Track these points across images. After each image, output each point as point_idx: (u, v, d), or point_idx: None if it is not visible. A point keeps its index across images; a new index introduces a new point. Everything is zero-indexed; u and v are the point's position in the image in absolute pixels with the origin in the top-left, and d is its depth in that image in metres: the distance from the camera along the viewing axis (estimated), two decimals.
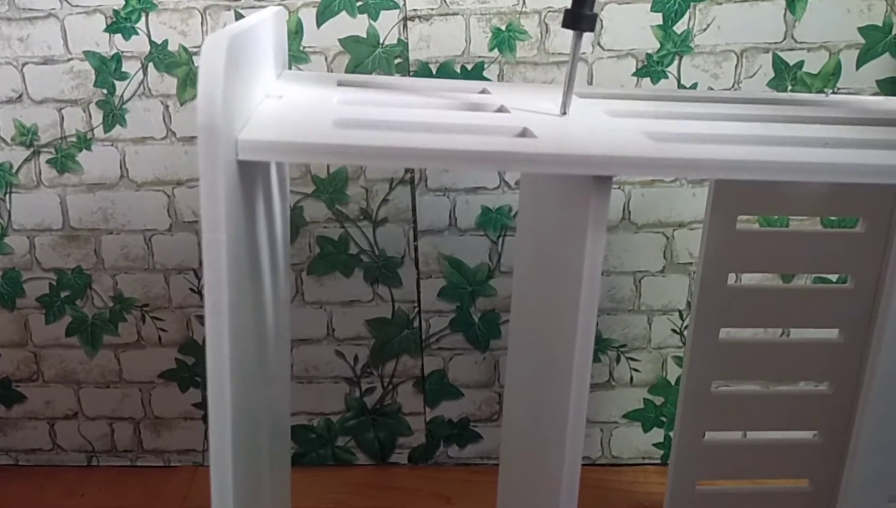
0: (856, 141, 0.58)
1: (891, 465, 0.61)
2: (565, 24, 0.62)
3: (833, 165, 0.50)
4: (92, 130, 1.06)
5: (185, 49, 1.02)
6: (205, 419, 1.17)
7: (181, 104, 1.04)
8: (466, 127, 0.56)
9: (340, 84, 0.73)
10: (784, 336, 1.05)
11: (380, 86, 0.75)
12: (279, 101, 0.60)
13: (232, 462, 0.48)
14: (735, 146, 0.53)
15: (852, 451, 0.62)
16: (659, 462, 1.21)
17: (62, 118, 1.05)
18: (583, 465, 1.20)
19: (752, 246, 0.86)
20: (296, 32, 1.01)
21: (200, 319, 1.13)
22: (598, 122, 0.60)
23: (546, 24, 1.01)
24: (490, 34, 1.01)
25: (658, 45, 1.02)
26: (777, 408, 0.93)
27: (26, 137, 1.06)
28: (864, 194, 0.85)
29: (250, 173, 0.53)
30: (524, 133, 0.54)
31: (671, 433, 1.16)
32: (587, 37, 1.01)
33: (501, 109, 0.64)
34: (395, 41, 1.02)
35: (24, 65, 1.03)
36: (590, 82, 1.03)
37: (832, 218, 1.04)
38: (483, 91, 0.72)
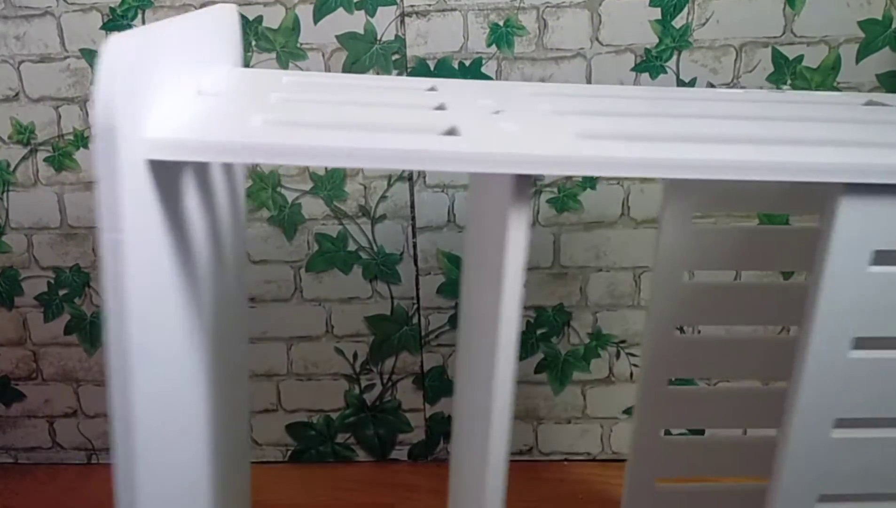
0: (794, 139, 0.58)
1: (819, 464, 0.61)
2: None
3: (747, 162, 0.50)
4: (89, 127, 1.05)
5: None
6: None
7: None
8: (395, 126, 0.56)
9: (288, 81, 0.72)
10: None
11: (330, 84, 0.74)
12: (213, 98, 0.59)
13: (138, 471, 0.48)
14: (663, 144, 0.53)
15: (780, 450, 0.61)
16: None
17: (59, 116, 1.05)
18: (583, 461, 1.21)
19: (707, 243, 0.85)
20: (292, 29, 1.01)
21: None
22: (535, 120, 0.59)
23: (544, 20, 1.01)
24: (488, 30, 1.01)
25: (657, 40, 1.01)
26: (736, 406, 0.92)
27: (23, 135, 1.06)
28: (819, 191, 0.85)
29: (171, 172, 0.52)
30: (451, 131, 0.54)
31: None
32: (586, 31, 1.00)
33: (441, 107, 0.63)
34: (392, 37, 1.01)
35: (20, 63, 1.03)
36: (588, 78, 1.02)
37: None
38: (432, 88, 0.72)
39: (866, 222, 0.54)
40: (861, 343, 0.58)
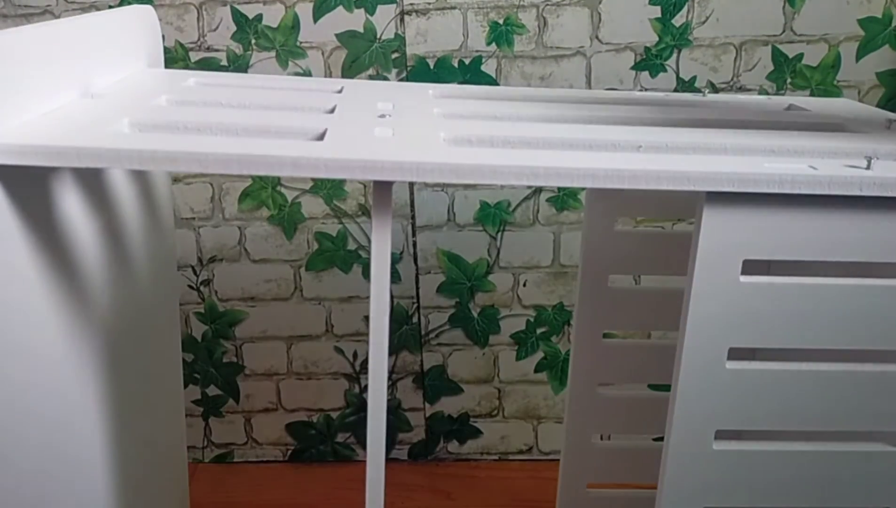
0: (671, 145, 0.57)
1: (701, 476, 0.59)
2: None
3: (602, 171, 0.50)
4: None
5: (181, 45, 1.02)
6: (205, 415, 1.17)
7: None
8: (268, 130, 0.56)
9: (195, 83, 0.72)
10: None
11: (235, 86, 0.74)
12: (96, 101, 0.59)
13: None
14: (533, 151, 0.53)
15: (663, 461, 0.60)
16: None
17: None
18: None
19: (630, 247, 0.84)
20: (292, 27, 1.01)
21: (199, 316, 1.12)
22: (417, 124, 0.59)
23: (544, 18, 1.00)
24: (487, 28, 1.01)
25: (657, 39, 1.01)
26: (665, 411, 0.90)
27: None
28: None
29: (35, 177, 0.52)
30: (322, 136, 0.54)
31: None
32: (586, 29, 1.00)
33: (331, 111, 0.63)
34: (392, 36, 1.01)
35: None
36: (588, 77, 1.02)
37: None
38: (340, 90, 0.71)
39: (733, 232, 0.53)
40: (737, 354, 0.56)
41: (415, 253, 1.10)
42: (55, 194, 0.56)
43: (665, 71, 1.02)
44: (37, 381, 0.54)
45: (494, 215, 1.08)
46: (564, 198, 1.07)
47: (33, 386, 0.54)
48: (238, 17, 1.01)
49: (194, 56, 1.02)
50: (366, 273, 1.11)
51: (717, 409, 0.57)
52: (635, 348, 0.88)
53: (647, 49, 1.01)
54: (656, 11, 1.00)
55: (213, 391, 1.16)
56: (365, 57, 1.02)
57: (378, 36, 1.01)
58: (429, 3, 1.00)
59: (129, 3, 1.00)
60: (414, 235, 1.10)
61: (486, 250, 1.10)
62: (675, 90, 1.03)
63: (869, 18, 0.99)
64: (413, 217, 1.09)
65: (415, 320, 1.14)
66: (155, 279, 0.77)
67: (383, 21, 1.01)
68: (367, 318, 1.13)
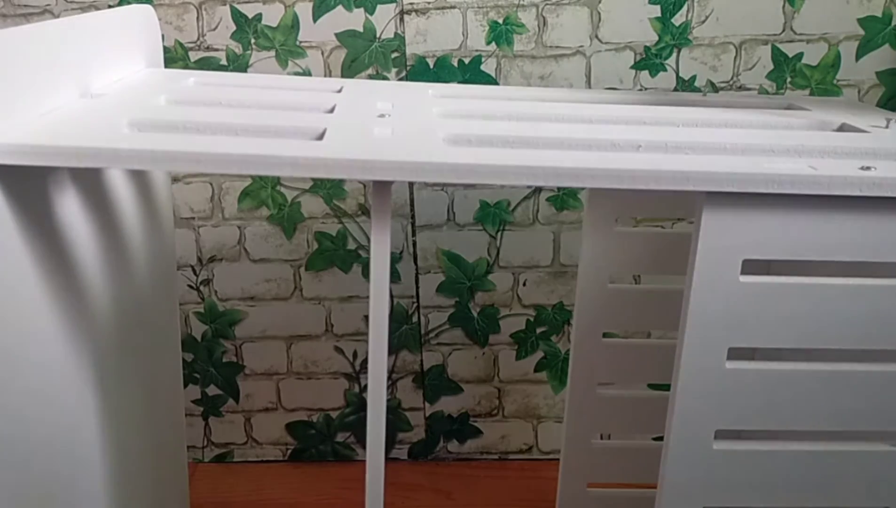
0: (671, 145, 0.58)
1: (701, 476, 0.59)
2: None
3: (600, 171, 0.50)
4: None
5: (181, 45, 1.02)
6: (204, 415, 1.17)
7: None
8: (265, 129, 0.56)
9: (194, 83, 0.72)
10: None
11: (235, 86, 0.74)
12: (95, 101, 0.59)
13: None
14: (529, 150, 0.54)
15: (663, 461, 0.60)
16: None
17: None
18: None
19: (630, 247, 0.84)
20: (292, 27, 1.01)
21: (198, 315, 1.12)
22: (416, 124, 0.59)
23: (544, 18, 1.00)
24: (487, 28, 1.01)
25: (656, 38, 1.01)
26: (665, 411, 0.91)
27: None
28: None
29: (32, 177, 0.52)
30: (321, 136, 0.54)
31: None
32: (586, 28, 1.00)
33: (331, 110, 0.63)
34: (391, 35, 1.01)
35: None
36: (588, 76, 1.02)
37: None
38: (340, 90, 0.71)
39: (732, 231, 0.53)
40: (737, 354, 0.56)
41: (414, 253, 1.10)
42: (53, 193, 0.56)
43: (665, 70, 1.02)
44: (35, 381, 0.54)
45: (494, 215, 1.08)
46: (564, 197, 1.07)
47: (32, 387, 0.54)
48: (237, 16, 1.01)
49: (194, 56, 1.02)
50: (366, 273, 1.11)
51: (717, 409, 0.57)
52: (635, 348, 0.88)
53: (646, 48, 1.01)
54: (656, 11, 1.00)
55: (212, 390, 1.16)
56: (364, 56, 1.02)
57: (378, 35, 1.01)
58: (428, 3, 1.00)
59: (129, 3, 1.00)
60: (414, 234, 1.09)
61: (485, 249, 1.10)
62: (675, 89, 1.03)
63: (869, 17, 0.99)
64: (413, 217, 1.08)
65: (414, 319, 1.14)
66: (154, 279, 0.77)
67: (383, 20, 1.01)
68: (367, 318, 1.13)
